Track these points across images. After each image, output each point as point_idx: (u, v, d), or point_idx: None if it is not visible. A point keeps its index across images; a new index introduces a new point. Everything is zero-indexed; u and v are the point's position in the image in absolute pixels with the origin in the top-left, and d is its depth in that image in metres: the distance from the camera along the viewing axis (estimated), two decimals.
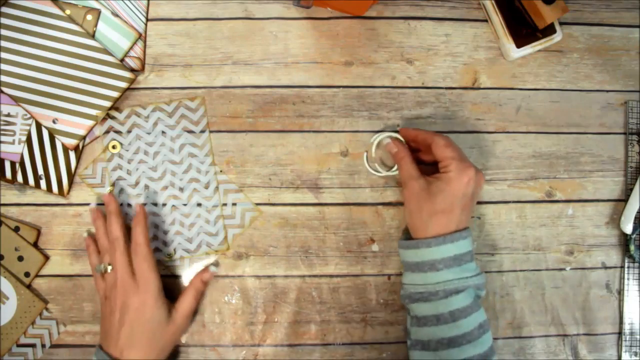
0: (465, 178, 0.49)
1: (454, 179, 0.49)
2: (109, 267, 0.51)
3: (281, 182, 0.58)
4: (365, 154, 0.57)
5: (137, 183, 0.56)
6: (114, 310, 0.49)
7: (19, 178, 0.56)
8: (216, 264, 0.56)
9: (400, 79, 0.59)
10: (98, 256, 0.54)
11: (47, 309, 0.56)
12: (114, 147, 0.56)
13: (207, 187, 0.57)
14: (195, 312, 0.56)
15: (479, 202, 0.59)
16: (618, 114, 0.60)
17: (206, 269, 0.56)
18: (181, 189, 0.57)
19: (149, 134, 0.57)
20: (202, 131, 0.57)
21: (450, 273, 0.48)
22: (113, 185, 0.56)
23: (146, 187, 0.56)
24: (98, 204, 0.55)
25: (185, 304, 0.53)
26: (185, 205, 0.57)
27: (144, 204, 0.56)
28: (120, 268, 0.50)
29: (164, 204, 0.57)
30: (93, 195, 0.56)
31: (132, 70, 0.57)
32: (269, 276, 0.57)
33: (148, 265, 0.50)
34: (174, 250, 0.56)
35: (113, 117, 0.56)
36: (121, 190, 0.56)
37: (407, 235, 0.54)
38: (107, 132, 0.56)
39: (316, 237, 0.58)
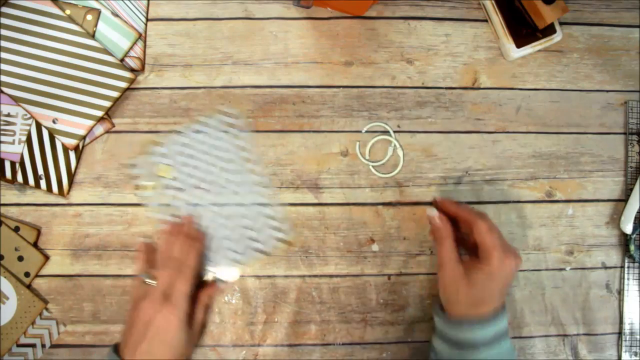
0: (506, 270, 0.48)
1: (496, 272, 0.48)
2: (153, 282, 0.51)
3: (281, 182, 0.58)
4: (357, 143, 0.57)
5: (194, 187, 0.56)
6: (138, 322, 0.49)
7: (19, 178, 0.56)
8: (223, 279, 0.56)
9: (400, 79, 0.59)
10: (146, 265, 0.53)
11: (47, 309, 0.56)
12: (165, 171, 0.56)
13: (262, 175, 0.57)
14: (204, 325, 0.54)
15: (480, 202, 0.59)
16: (618, 114, 0.60)
17: (212, 284, 0.55)
18: (238, 184, 0.57)
19: (193, 145, 0.57)
20: (242, 126, 0.57)
21: (488, 351, 0.47)
22: (155, 183, 0.56)
23: (205, 190, 0.56)
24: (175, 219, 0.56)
25: (198, 321, 0.52)
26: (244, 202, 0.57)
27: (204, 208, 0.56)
28: (161, 285, 0.50)
29: (224, 204, 0.56)
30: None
31: (132, 70, 0.57)
32: (269, 276, 0.57)
33: (186, 290, 0.50)
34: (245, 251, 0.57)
35: (158, 143, 0.57)
36: (175, 196, 0.56)
37: (439, 302, 0.52)
38: (154, 158, 0.57)
39: (316, 237, 0.58)
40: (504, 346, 0.48)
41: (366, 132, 0.57)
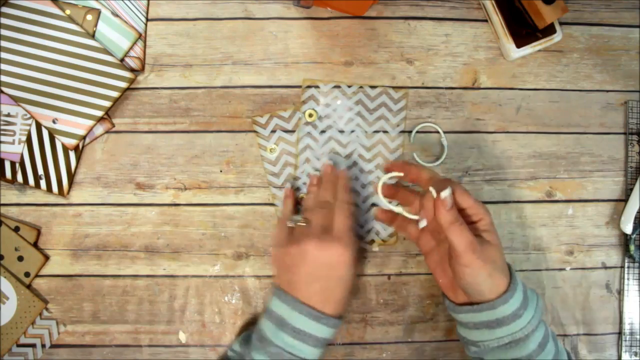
0: (491, 216, 0.47)
1: (491, 222, 0.47)
2: (303, 223, 0.50)
3: (281, 182, 0.58)
4: (414, 154, 0.57)
5: (321, 155, 0.58)
6: (304, 262, 0.47)
7: (19, 178, 0.56)
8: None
9: (400, 79, 0.59)
10: (293, 209, 0.54)
11: (47, 309, 0.56)
12: (310, 115, 0.57)
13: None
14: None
15: None
16: (618, 114, 0.60)
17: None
18: (362, 171, 0.58)
19: (349, 109, 0.58)
20: (398, 125, 0.58)
21: (529, 312, 0.46)
22: (276, 145, 0.57)
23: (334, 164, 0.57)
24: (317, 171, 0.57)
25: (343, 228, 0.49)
26: (363, 187, 0.58)
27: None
28: (320, 222, 0.49)
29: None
30: (93, 195, 0.57)
31: (132, 70, 0.57)
32: (269, 276, 0.57)
33: (349, 223, 0.49)
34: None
35: (316, 87, 0.58)
36: (307, 160, 0.57)
37: (448, 299, 0.50)
38: (305, 101, 0.58)
39: None
40: (532, 298, 0.47)
41: (417, 132, 0.58)
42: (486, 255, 0.45)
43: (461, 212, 0.46)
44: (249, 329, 0.51)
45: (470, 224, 0.46)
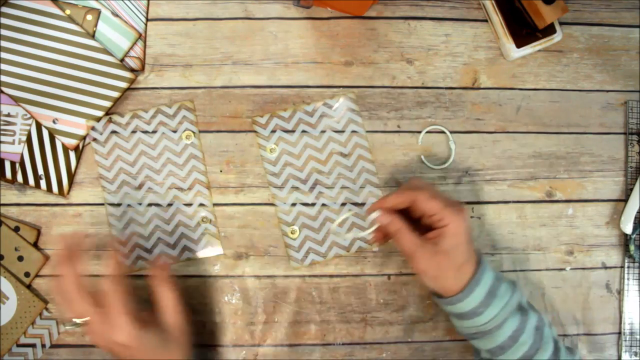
0: (462, 221, 0.48)
1: (456, 228, 0.47)
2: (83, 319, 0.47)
3: (281, 182, 0.58)
4: (422, 157, 0.58)
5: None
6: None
7: (19, 178, 0.56)
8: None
9: (400, 79, 0.59)
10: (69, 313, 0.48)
11: (47, 309, 0.56)
12: (187, 137, 0.56)
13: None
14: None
15: (480, 202, 0.59)
16: (618, 114, 0.60)
17: (157, 257, 0.56)
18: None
19: (151, 135, 0.57)
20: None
21: (492, 309, 0.48)
22: (276, 145, 0.57)
23: (149, 189, 0.56)
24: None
25: (168, 306, 0.49)
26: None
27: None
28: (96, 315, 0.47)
29: (170, 204, 0.57)
30: (94, 195, 0.56)
31: (132, 70, 0.57)
32: (269, 276, 0.57)
33: (128, 311, 0.46)
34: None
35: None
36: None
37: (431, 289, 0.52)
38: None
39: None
40: (502, 295, 0.48)
41: (427, 132, 0.58)
42: (432, 261, 0.48)
43: (430, 217, 0.48)
44: None
45: (438, 228, 0.48)
